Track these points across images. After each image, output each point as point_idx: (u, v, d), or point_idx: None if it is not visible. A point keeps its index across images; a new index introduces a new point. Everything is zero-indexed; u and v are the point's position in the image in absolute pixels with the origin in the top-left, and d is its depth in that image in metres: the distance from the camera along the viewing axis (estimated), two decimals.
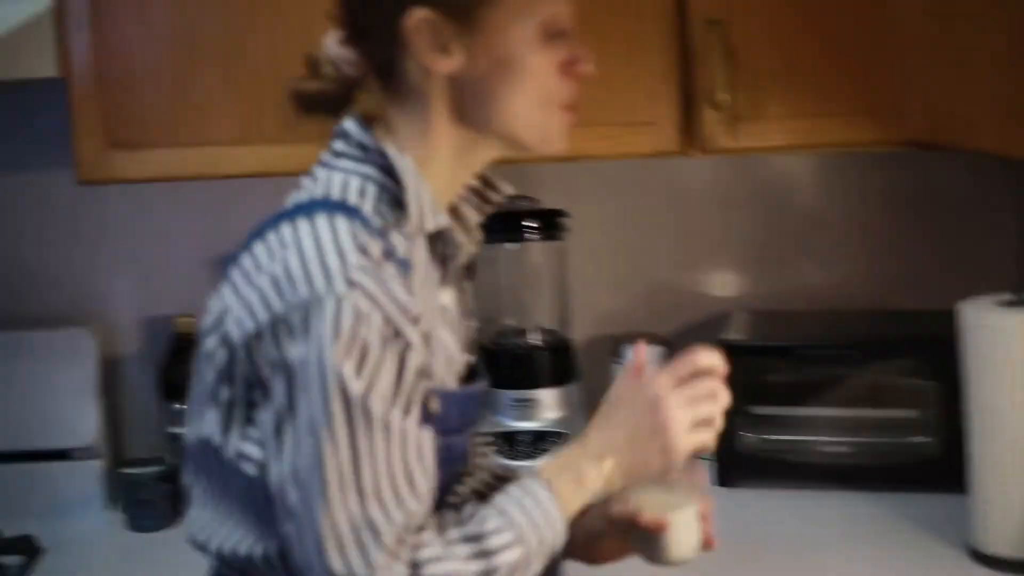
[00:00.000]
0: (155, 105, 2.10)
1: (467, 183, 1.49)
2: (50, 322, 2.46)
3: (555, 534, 1.38)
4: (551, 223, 2.40)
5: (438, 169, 1.42)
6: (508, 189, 1.54)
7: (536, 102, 1.41)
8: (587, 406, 2.45)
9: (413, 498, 1.30)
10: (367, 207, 1.36)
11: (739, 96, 2.06)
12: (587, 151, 2.08)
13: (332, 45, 1.44)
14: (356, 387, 1.26)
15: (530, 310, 2.44)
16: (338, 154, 1.41)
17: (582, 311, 2.50)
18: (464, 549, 1.33)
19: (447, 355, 1.44)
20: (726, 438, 2.20)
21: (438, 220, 1.40)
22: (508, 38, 1.38)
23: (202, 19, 2.09)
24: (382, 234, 1.34)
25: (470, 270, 1.55)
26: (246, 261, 1.35)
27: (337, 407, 1.26)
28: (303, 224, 1.32)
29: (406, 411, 1.30)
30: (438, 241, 1.43)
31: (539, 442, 2.32)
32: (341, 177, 1.39)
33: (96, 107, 2.09)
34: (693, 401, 1.44)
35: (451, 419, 1.41)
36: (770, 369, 2.29)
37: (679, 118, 2.08)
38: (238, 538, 1.38)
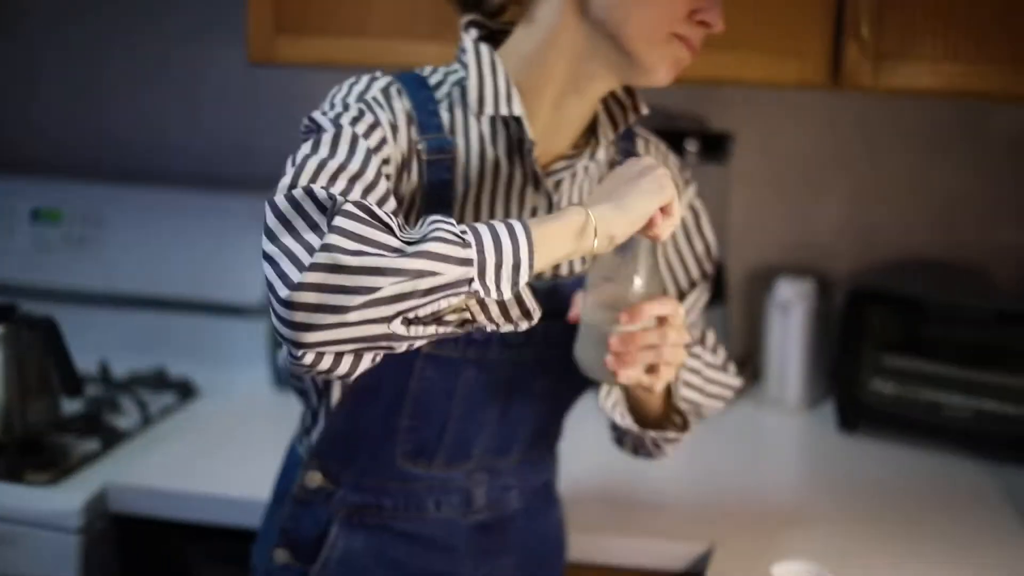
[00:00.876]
0: None
1: (586, 96, 1.48)
2: (235, 186, 2.62)
3: (517, 249, 1.21)
4: (715, 145, 2.36)
5: (552, 68, 1.45)
6: (645, 109, 1.54)
7: (657, 20, 1.39)
8: (730, 330, 2.44)
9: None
10: (442, 87, 1.47)
11: (886, 33, 1.97)
12: (731, 75, 2.06)
13: None
14: (323, 119, 1.36)
15: None
16: (463, 48, 1.49)
17: (742, 238, 2.47)
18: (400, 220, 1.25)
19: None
20: (853, 384, 2.19)
21: (502, 106, 1.44)
22: None
23: None
24: (424, 109, 1.43)
25: None
26: None
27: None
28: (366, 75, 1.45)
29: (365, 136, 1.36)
30: (509, 133, 1.47)
31: None
32: (451, 63, 1.50)
33: None
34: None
35: None
36: (911, 321, 2.21)
37: (828, 51, 2.01)
38: None
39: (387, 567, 1.62)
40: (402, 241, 1.17)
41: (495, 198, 1.48)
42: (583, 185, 1.55)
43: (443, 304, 1.18)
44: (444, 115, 1.46)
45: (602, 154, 1.57)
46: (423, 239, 1.18)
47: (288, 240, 1.17)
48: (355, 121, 1.36)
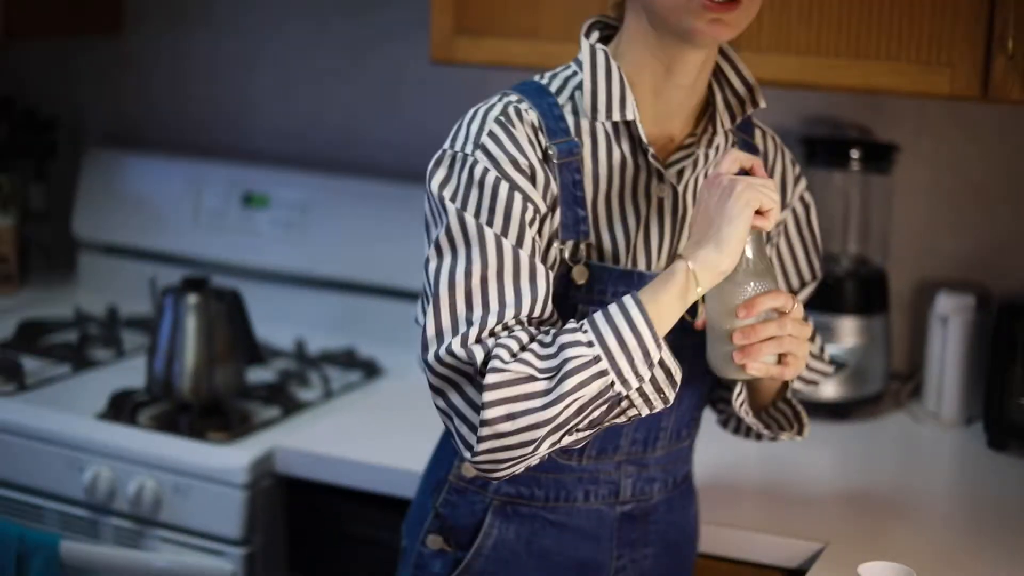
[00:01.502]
0: None
1: (681, 81, 1.56)
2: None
3: (640, 338, 1.40)
4: (880, 156, 2.38)
5: (642, 63, 1.54)
6: (762, 103, 1.62)
7: None
8: (892, 341, 2.44)
9: (502, 306, 1.45)
10: (563, 93, 1.57)
11: None
12: (883, 85, 2.10)
13: None
14: (451, 208, 1.48)
15: (851, 239, 2.44)
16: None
17: (906, 249, 2.47)
18: (537, 347, 1.43)
19: (629, 236, 1.56)
20: (1003, 402, 2.17)
21: (615, 112, 1.53)
22: None
23: None
24: (550, 115, 1.54)
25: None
26: None
27: (441, 227, 1.49)
28: (492, 98, 1.56)
29: (506, 235, 1.47)
30: (630, 131, 1.56)
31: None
32: (569, 64, 1.60)
33: None
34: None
35: (604, 292, 1.55)
36: None
37: (979, 63, 2.01)
38: None
39: (537, 556, 1.70)
40: (544, 377, 1.40)
41: (623, 194, 1.57)
42: (700, 173, 1.62)
43: (596, 414, 1.43)
44: (569, 119, 1.55)
45: (721, 140, 1.63)
46: (560, 375, 1.40)
47: (454, 398, 1.46)
48: (479, 205, 1.48)
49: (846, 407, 2.34)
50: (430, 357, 1.46)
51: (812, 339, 1.74)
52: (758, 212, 1.46)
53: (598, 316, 1.42)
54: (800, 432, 1.73)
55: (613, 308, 1.42)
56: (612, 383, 1.40)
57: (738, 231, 1.44)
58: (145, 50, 3.08)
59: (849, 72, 2.10)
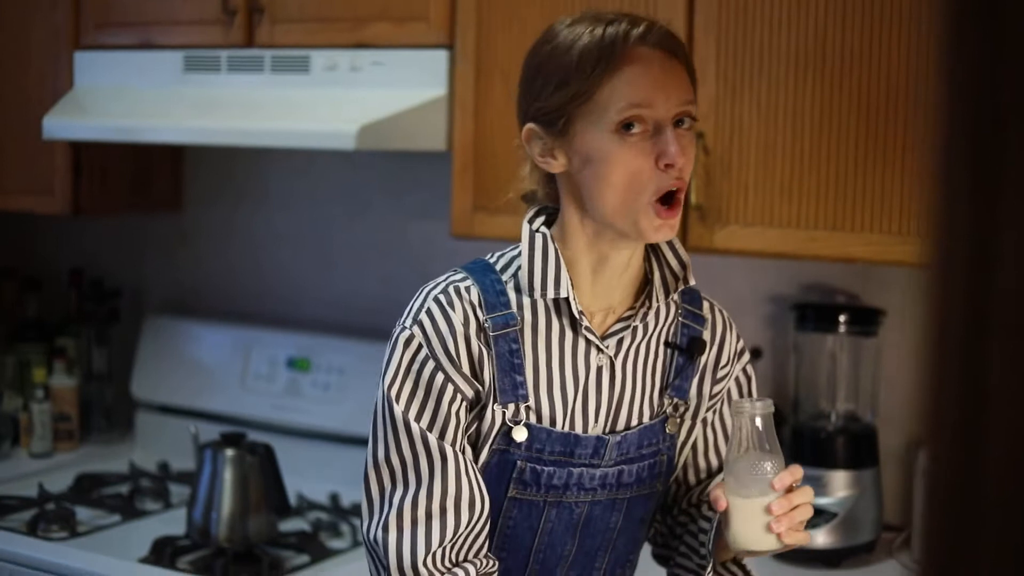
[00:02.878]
0: (510, 178, 2.54)
1: (615, 266, 1.71)
2: None
3: None
4: (866, 320, 2.56)
5: (579, 250, 1.70)
6: (692, 281, 1.75)
7: (622, 193, 1.61)
8: (883, 496, 2.58)
9: (454, 513, 1.64)
10: (508, 271, 1.72)
11: None
12: (859, 255, 2.27)
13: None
14: (398, 409, 1.67)
15: (841, 397, 2.60)
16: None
17: (896, 406, 2.62)
18: None
19: (567, 401, 1.71)
20: None
21: (550, 290, 1.68)
22: (587, 141, 1.62)
23: None
24: (491, 290, 1.69)
25: (690, 347, 1.79)
26: None
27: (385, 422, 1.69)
28: (444, 275, 1.74)
29: (441, 434, 1.65)
30: (567, 308, 1.70)
31: (814, 516, 2.48)
32: (516, 245, 1.75)
33: (469, 178, 2.58)
34: None
35: (542, 450, 1.70)
36: None
37: None
38: None
39: None
40: None
41: (563, 362, 1.71)
42: (641, 342, 1.76)
43: None
44: (511, 294, 1.69)
45: (663, 311, 1.77)
46: None
47: None
48: (411, 413, 1.67)
49: (838, 555, 2.47)
50: (363, 530, 1.71)
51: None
52: None
53: None
54: None
55: None
56: None
57: None
58: (202, 225, 3.36)
59: (828, 243, 2.29)
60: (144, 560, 2.51)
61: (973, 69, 0.56)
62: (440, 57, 2.56)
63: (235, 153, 3.27)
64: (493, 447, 1.69)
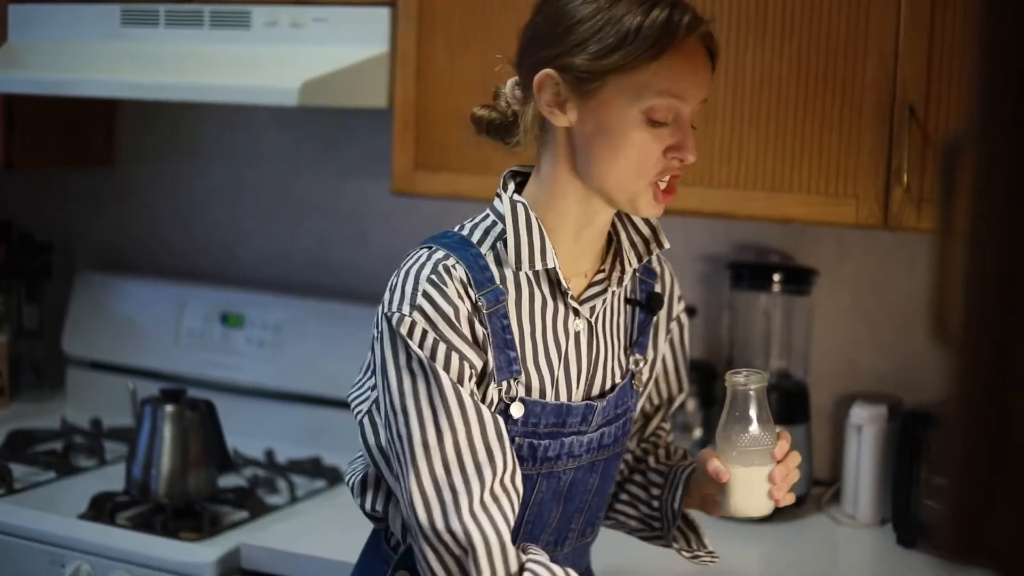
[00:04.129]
0: (452, 136, 2.56)
1: (598, 226, 1.74)
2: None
3: None
4: (799, 279, 2.61)
5: (565, 212, 1.70)
6: (666, 244, 1.79)
7: (630, 171, 1.65)
8: (812, 450, 2.65)
9: (481, 472, 1.62)
10: (485, 243, 1.70)
11: (927, 178, 2.21)
12: (795, 215, 2.32)
13: (510, 83, 1.76)
14: (403, 375, 1.64)
15: (774, 354, 2.66)
16: (498, 194, 1.75)
17: (827, 363, 2.69)
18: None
19: (552, 370, 1.72)
20: (908, 503, 2.37)
21: (537, 262, 1.68)
22: (611, 111, 1.63)
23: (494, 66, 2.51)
24: (476, 266, 1.67)
25: (650, 303, 1.84)
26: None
27: (395, 390, 1.65)
28: (418, 252, 1.70)
29: (459, 396, 1.63)
30: (549, 276, 1.72)
31: None
32: (486, 214, 1.74)
33: (411, 135, 2.58)
34: None
35: (538, 424, 1.71)
36: None
37: (880, 194, 2.25)
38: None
39: None
40: None
41: (546, 332, 1.72)
42: (614, 304, 1.80)
43: None
44: (494, 268, 1.69)
45: (628, 271, 1.83)
46: None
47: (450, 565, 1.62)
48: (423, 371, 1.62)
49: None
50: (421, 543, 1.63)
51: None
52: None
53: None
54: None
55: None
56: None
57: None
58: (136, 181, 3.33)
59: (765, 204, 2.33)
60: (83, 516, 2.51)
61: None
62: (382, 15, 2.57)
63: (172, 109, 3.25)
64: None
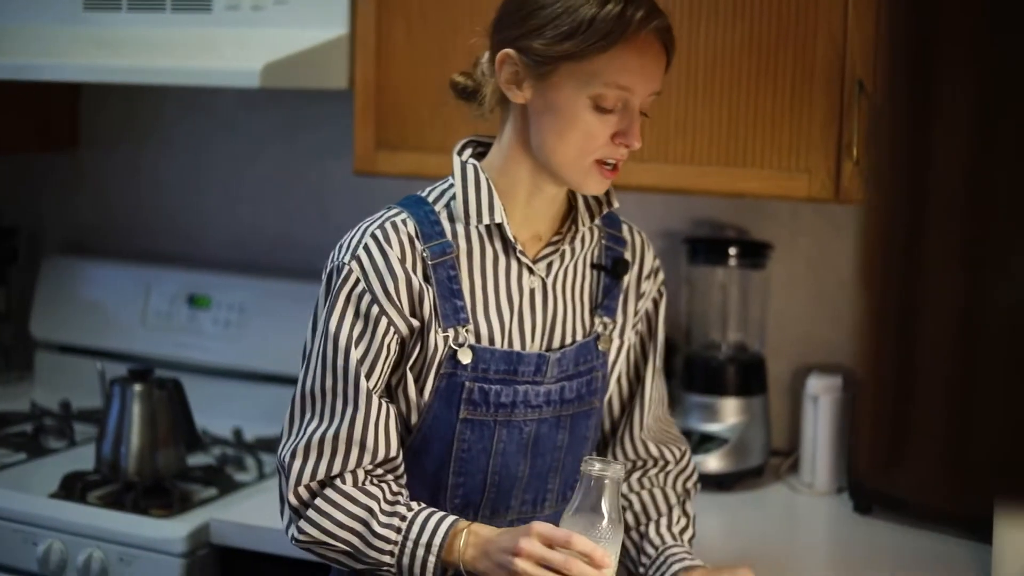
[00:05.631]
0: (413, 116, 2.60)
1: (558, 197, 1.85)
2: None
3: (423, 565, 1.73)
4: (755, 253, 2.66)
5: (517, 178, 1.81)
6: (616, 204, 1.89)
7: (576, 150, 1.75)
8: (771, 420, 2.70)
9: (357, 454, 1.76)
10: (440, 202, 1.82)
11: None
12: (749, 189, 2.37)
13: (487, 55, 1.85)
14: (340, 340, 1.76)
15: (731, 327, 2.71)
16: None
17: (784, 336, 2.74)
18: (360, 513, 1.76)
19: (503, 321, 1.82)
20: (861, 471, 2.42)
21: (485, 217, 1.80)
22: (562, 94, 1.74)
23: (453, 46, 2.55)
24: (426, 221, 1.79)
25: (615, 268, 1.91)
26: None
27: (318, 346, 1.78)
28: (378, 213, 1.83)
29: (370, 369, 1.75)
30: (501, 232, 1.82)
31: (706, 442, 2.60)
32: (447, 179, 1.85)
33: (371, 116, 2.62)
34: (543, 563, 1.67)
35: (487, 370, 1.80)
36: None
37: (831, 168, 2.31)
38: None
39: None
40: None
41: (498, 286, 1.83)
42: (569, 265, 1.88)
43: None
44: (445, 224, 1.81)
45: (587, 236, 1.90)
46: (362, 544, 1.75)
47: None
48: (350, 345, 1.76)
49: (729, 479, 2.59)
50: (289, 493, 1.81)
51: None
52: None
53: (409, 542, 1.73)
54: None
55: (420, 548, 1.72)
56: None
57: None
58: (99, 164, 3.35)
59: (719, 178, 2.39)
60: (55, 495, 2.54)
61: None
62: None
63: (134, 92, 3.27)
64: (440, 372, 1.79)
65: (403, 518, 1.76)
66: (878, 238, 0.62)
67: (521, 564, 1.65)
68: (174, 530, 2.42)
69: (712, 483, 2.58)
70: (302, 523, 1.78)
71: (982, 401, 0.57)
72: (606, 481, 1.71)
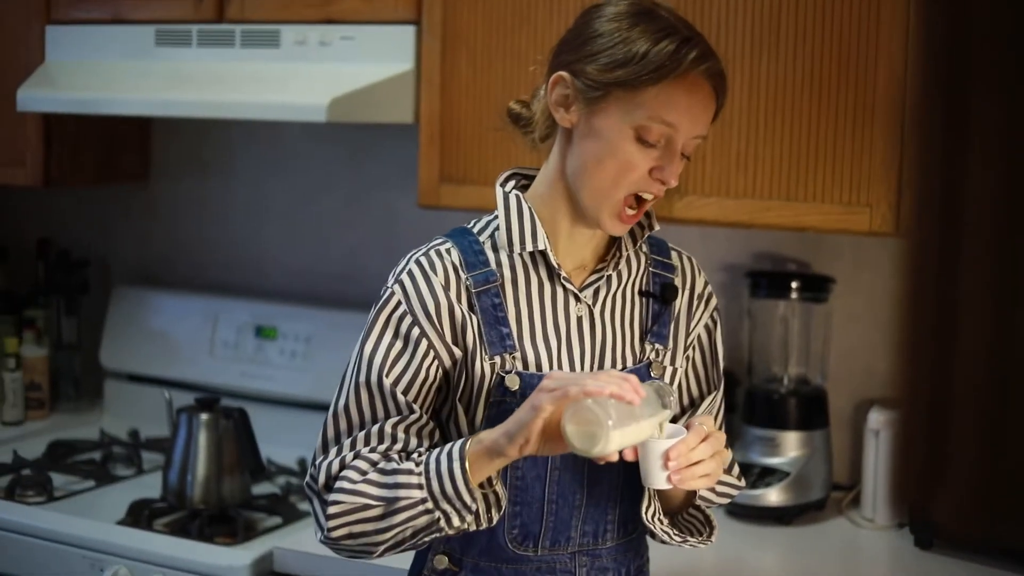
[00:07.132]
0: (476, 150, 2.63)
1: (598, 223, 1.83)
2: None
3: (459, 491, 1.69)
4: (817, 286, 2.66)
5: (559, 207, 1.83)
6: (657, 227, 1.89)
7: (611, 178, 1.76)
8: (832, 454, 2.69)
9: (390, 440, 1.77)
10: (484, 232, 1.85)
11: None
12: (810, 223, 2.37)
13: (544, 86, 1.87)
14: (376, 361, 1.79)
15: (793, 361, 2.71)
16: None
17: (845, 369, 2.74)
18: (376, 475, 1.75)
19: (550, 349, 1.82)
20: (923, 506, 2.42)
21: (528, 244, 1.81)
22: (607, 121, 1.75)
23: (516, 80, 2.58)
24: (470, 251, 1.82)
25: (663, 294, 1.91)
26: None
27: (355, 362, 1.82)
28: (428, 243, 1.86)
29: (406, 389, 1.77)
30: (545, 260, 1.83)
31: (767, 476, 2.59)
32: (495, 212, 1.86)
33: (436, 150, 2.66)
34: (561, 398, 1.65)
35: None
36: None
37: (892, 202, 2.31)
38: None
39: None
40: (379, 505, 1.72)
41: (544, 314, 1.83)
42: (616, 292, 1.88)
43: (428, 537, 1.75)
44: (489, 253, 1.83)
45: (633, 262, 1.90)
46: (392, 509, 1.72)
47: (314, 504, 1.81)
48: (385, 364, 1.78)
49: (790, 513, 2.58)
50: (309, 476, 1.82)
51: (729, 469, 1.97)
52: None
53: (431, 461, 1.72)
54: (710, 537, 1.94)
55: (443, 458, 1.71)
56: (438, 519, 1.71)
57: (516, 426, 1.68)
58: (169, 197, 3.42)
59: (781, 213, 2.39)
60: (122, 522, 2.58)
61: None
62: (407, 32, 2.64)
63: (203, 125, 3.33)
64: (490, 400, 1.79)
65: (419, 454, 1.77)
66: (913, 269, 0.63)
67: (547, 386, 1.66)
68: (238, 558, 2.45)
69: (773, 517, 2.57)
70: (329, 508, 1.76)
71: (1016, 431, 0.58)
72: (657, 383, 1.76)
